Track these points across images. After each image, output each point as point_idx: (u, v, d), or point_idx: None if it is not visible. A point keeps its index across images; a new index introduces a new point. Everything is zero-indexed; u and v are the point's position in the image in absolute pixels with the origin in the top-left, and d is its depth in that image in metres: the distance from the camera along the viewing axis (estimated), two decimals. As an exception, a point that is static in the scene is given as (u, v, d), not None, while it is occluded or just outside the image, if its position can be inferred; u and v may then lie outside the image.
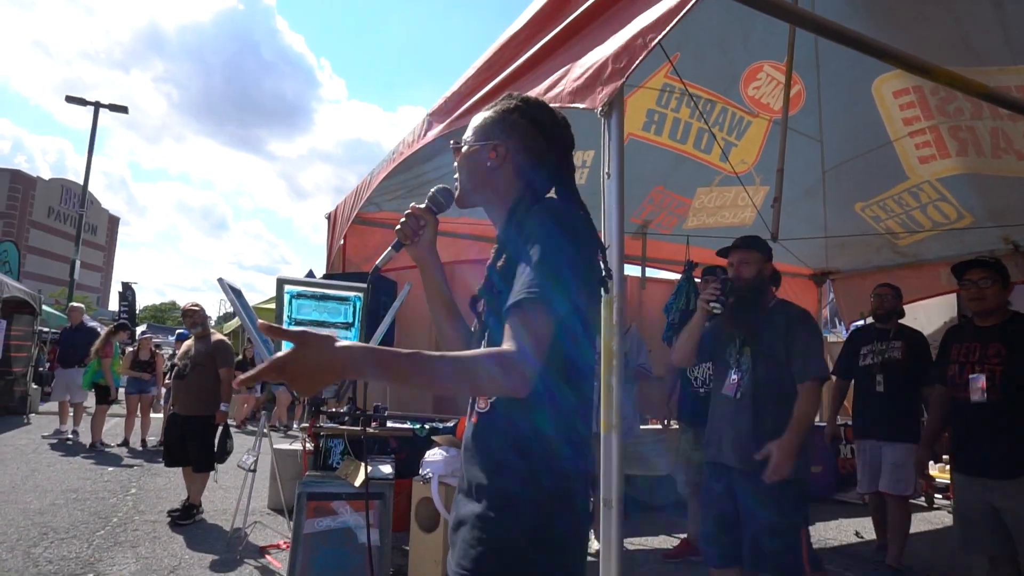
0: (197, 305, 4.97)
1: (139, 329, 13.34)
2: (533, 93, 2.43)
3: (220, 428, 4.78)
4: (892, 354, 4.13)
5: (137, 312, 22.63)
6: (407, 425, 4.89)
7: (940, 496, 6.17)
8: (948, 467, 4.30)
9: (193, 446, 4.71)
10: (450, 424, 4.49)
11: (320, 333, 1.00)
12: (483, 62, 2.88)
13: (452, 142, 1.43)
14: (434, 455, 3.53)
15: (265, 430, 4.27)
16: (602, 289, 1.32)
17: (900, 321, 4.32)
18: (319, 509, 3.66)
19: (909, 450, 3.82)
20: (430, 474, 3.46)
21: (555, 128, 1.36)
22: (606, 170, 1.94)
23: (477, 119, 1.40)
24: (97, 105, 18.13)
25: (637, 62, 1.88)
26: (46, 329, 13.12)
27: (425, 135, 3.55)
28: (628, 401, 4.27)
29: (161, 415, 8.09)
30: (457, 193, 1.41)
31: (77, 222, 17.96)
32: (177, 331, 11.35)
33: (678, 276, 5.99)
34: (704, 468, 2.82)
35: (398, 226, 1.42)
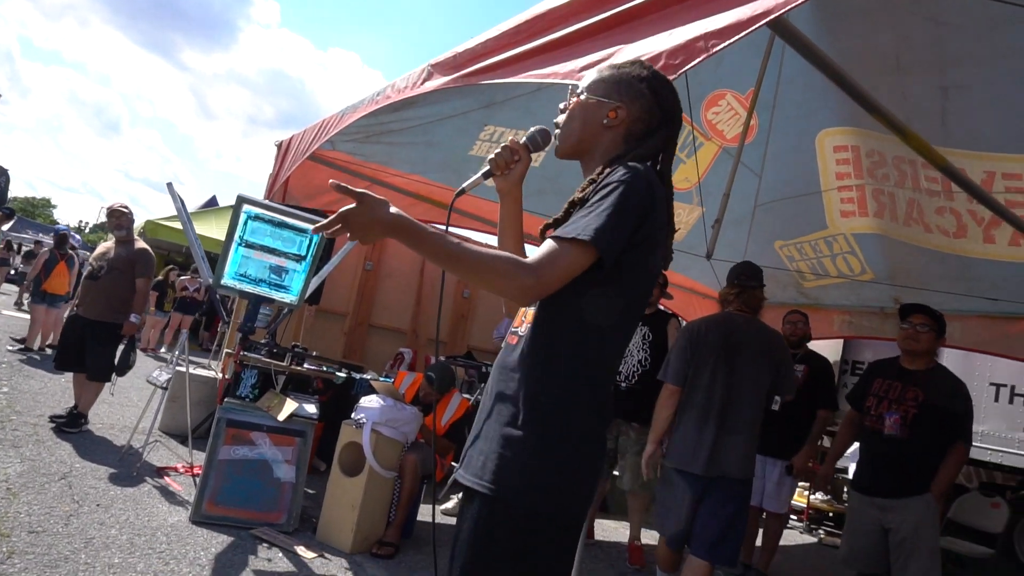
0: (125, 207, 4.62)
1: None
2: (567, 68, 2.50)
3: (125, 340, 4.50)
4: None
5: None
6: (324, 368, 4.83)
7: (795, 518, 6.84)
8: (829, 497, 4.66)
9: (93, 353, 4.40)
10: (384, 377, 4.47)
11: (378, 196, 1.16)
12: (510, 27, 2.89)
13: (573, 86, 1.45)
14: (370, 401, 3.53)
15: (185, 351, 4.07)
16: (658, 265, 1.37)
17: (809, 346, 4.70)
18: (237, 437, 3.57)
19: (786, 469, 4.18)
20: (363, 419, 3.46)
21: (675, 110, 1.41)
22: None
23: (602, 74, 1.43)
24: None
25: (693, 63, 2.00)
26: None
27: (422, 84, 3.52)
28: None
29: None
30: (561, 142, 1.43)
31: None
32: (53, 231, 10.48)
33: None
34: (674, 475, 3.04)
35: (492, 155, 1.45)
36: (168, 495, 3.62)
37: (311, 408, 3.80)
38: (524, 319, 1.36)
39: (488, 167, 1.45)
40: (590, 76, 1.45)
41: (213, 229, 10.35)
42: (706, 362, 3.03)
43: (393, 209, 1.16)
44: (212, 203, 14.89)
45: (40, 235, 15.20)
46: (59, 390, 5.44)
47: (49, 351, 7.67)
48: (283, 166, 5.15)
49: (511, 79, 2.87)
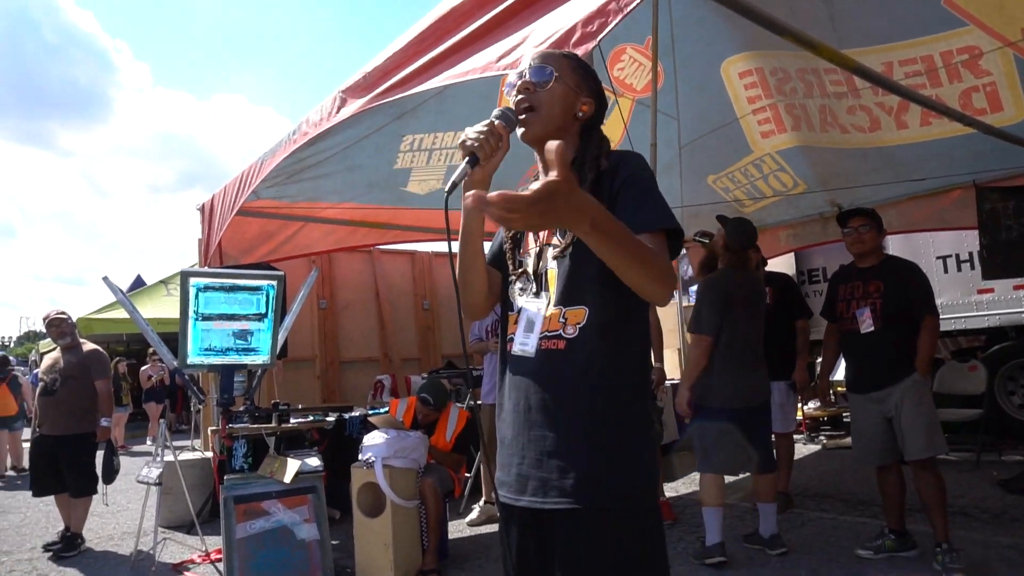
0: (64, 313, 4.41)
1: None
2: (483, 62, 2.50)
3: (104, 445, 4.30)
4: None
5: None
6: (311, 419, 4.75)
7: (815, 435, 7.13)
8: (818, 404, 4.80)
9: (72, 469, 4.21)
10: (383, 410, 4.42)
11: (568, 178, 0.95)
12: (415, 36, 2.87)
13: (543, 68, 1.35)
14: (374, 438, 3.49)
15: (167, 440, 3.93)
16: None
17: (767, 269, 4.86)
18: (249, 511, 3.47)
19: (788, 388, 4.35)
20: (372, 458, 3.41)
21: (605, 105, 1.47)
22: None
23: (569, 63, 1.39)
24: None
25: (611, 27, 2.02)
26: None
27: (337, 112, 3.46)
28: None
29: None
30: (538, 126, 1.32)
31: None
32: None
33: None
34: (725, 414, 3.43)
35: (474, 141, 1.24)
36: (193, 589, 3.51)
37: (314, 461, 3.72)
38: (537, 321, 1.30)
39: (473, 153, 1.24)
40: (554, 62, 1.36)
41: (148, 309, 9.98)
42: (739, 313, 3.49)
43: (584, 192, 1.00)
44: (139, 283, 14.30)
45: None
46: (42, 517, 5.19)
47: (12, 473, 7.37)
48: (212, 228, 4.99)
49: (428, 85, 2.84)
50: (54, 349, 4.57)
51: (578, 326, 1.25)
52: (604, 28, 2.02)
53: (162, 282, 11.34)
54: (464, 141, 1.25)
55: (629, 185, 1.28)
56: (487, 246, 1.49)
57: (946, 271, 6.21)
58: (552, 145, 0.97)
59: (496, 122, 1.27)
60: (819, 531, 3.89)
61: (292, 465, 3.58)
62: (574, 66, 1.40)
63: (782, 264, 7.15)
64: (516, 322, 1.36)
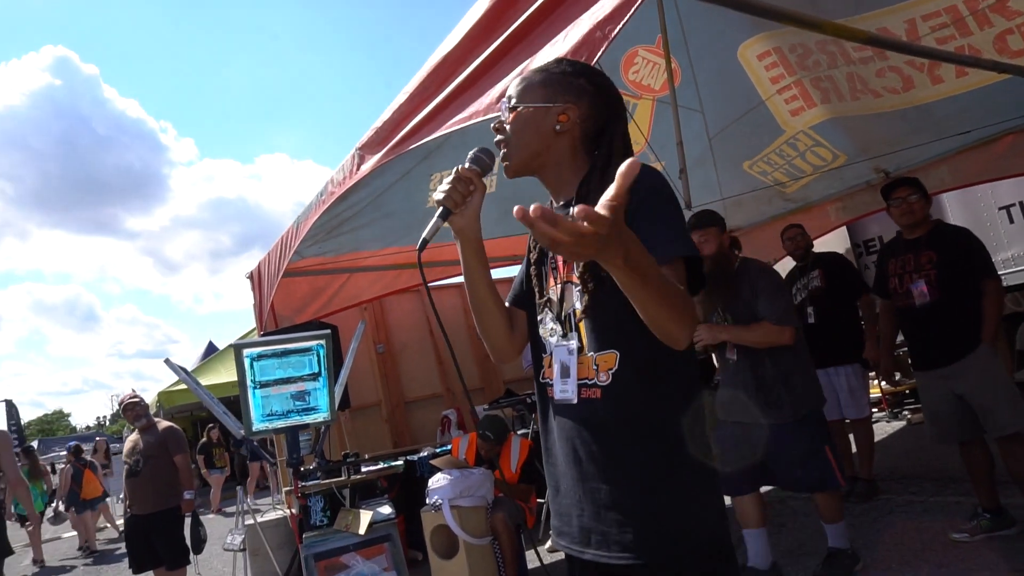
0: (137, 396, 4.65)
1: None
2: (483, 105, 2.52)
3: (190, 517, 4.50)
4: (813, 283, 4.42)
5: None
6: (381, 465, 4.83)
7: (875, 410, 6.80)
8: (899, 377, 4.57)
9: (162, 544, 4.40)
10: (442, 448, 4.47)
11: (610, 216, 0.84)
12: (416, 86, 2.93)
13: (505, 100, 1.33)
14: (438, 481, 3.53)
15: (247, 504, 4.07)
16: None
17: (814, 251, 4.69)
18: (329, 567, 3.56)
19: (858, 371, 4.18)
20: (439, 501, 3.45)
21: (620, 99, 1.33)
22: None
23: (532, 80, 1.31)
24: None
25: (598, 55, 2.02)
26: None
27: (357, 170, 3.55)
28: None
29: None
30: (512, 158, 1.32)
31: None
32: (69, 444, 10.95)
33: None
34: (730, 426, 3.06)
35: (441, 193, 1.28)
36: (289, 649, 3.61)
37: (386, 509, 3.79)
38: (572, 365, 1.25)
39: (443, 206, 1.28)
40: (517, 87, 1.33)
41: (223, 375, 10.42)
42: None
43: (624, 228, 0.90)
44: (211, 350, 14.97)
45: (64, 449, 15.39)
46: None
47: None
48: (262, 293, 5.18)
49: (438, 133, 2.89)
50: (133, 431, 4.81)
51: (610, 372, 1.20)
52: (593, 57, 2.02)
53: (231, 346, 11.77)
54: (435, 196, 1.28)
55: (642, 208, 1.14)
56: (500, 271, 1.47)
57: (1011, 221, 5.85)
58: (623, 169, 0.84)
59: (465, 167, 1.29)
60: (909, 516, 3.69)
61: (365, 517, 3.65)
62: (544, 79, 1.30)
63: (837, 238, 6.90)
64: (551, 365, 1.32)
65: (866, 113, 4.99)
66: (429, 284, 1.38)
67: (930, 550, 3.14)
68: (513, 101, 1.32)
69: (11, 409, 18.57)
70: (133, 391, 4.70)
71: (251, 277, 5.33)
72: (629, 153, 1.31)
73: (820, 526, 3.08)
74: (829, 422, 4.50)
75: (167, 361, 3.79)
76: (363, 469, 4.43)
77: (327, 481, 3.91)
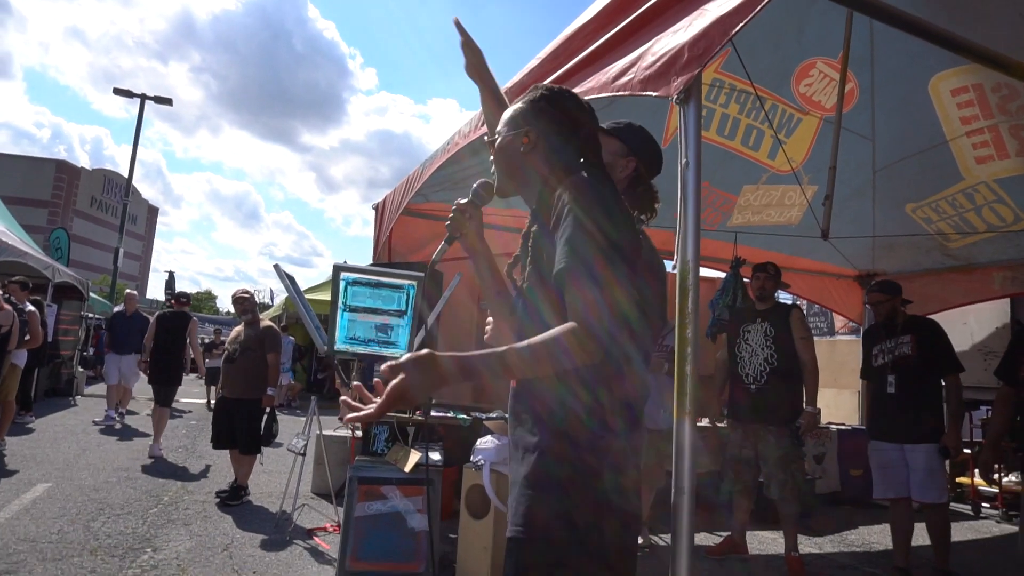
0: (247, 292, 5.07)
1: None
2: (600, 81, 2.45)
3: (267, 412, 4.87)
4: (902, 349, 3.90)
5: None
6: (450, 415, 4.95)
7: (987, 505, 6.04)
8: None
9: (241, 429, 4.81)
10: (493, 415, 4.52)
11: (417, 356, 1.11)
12: (548, 52, 2.90)
13: (486, 137, 1.55)
14: (485, 443, 3.57)
15: (315, 414, 4.34)
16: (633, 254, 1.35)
17: (910, 312, 4.10)
18: (369, 493, 3.71)
19: (934, 452, 3.68)
20: (482, 461, 3.49)
21: (580, 112, 1.46)
22: (684, 159, 1.94)
23: (507, 114, 1.51)
24: (143, 97, 18.54)
25: (717, 50, 1.89)
26: (91, 315, 13.45)
27: (482, 126, 3.58)
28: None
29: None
30: (496, 183, 1.52)
31: (122, 212, 18.42)
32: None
33: (719, 273, 5.96)
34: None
35: (448, 222, 1.53)
36: (317, 555, 3.84)
37: (435, 456, 3.89)
38: None
39: (449, 233, 1.54)
40: (500, 121, 1.53)
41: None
42: None
43: (437, 361, 1.12)
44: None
45: (213, 327, 17.07)
46: (225, 466, 5.97)
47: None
48: (382, 226, 5.41)
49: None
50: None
51: None
52: (710, 52, 1.89)
53: (334, 266, 12.71)
54: (446, 223, 1.54)
55: (555, 224, 1.29)
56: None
57: None
58: (377, 379, 1.17)
59: (463, 201, 1.53)
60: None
61: (413, 456, 3.77)
62: (514, 111, 1.49)
63: (995, 310, 6.12)
64: None
65: (1067, 176, 4.37)
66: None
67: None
68: (488, 137, 1.54)
69: (171, 279, 20.93)
70: (245, 289, 5.12)
71: (376, 208, 5.57)
72: (599, 160, 1.47)
73: None
74: (892, 500, 3.95)
75: (276, 267, 4.08)
76: (431, 414, 4.57)
77: (392, 415, 4.07)
